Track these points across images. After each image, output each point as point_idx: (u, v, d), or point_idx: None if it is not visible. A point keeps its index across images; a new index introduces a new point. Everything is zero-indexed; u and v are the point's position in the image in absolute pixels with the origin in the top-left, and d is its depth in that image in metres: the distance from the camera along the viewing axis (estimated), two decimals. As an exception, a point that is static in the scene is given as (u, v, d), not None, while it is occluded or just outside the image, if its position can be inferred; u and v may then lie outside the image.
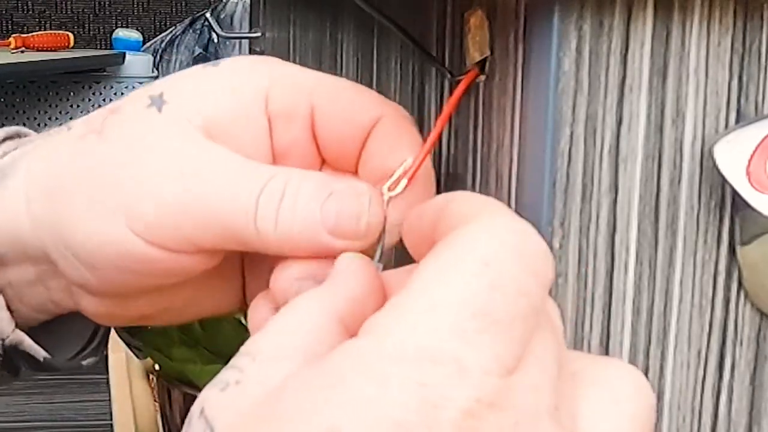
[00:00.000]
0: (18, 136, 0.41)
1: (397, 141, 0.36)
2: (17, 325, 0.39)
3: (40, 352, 0.40)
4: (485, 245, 0.26)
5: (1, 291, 0.39)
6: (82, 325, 0.42)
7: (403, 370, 0.24)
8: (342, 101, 0.36)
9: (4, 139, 0.41)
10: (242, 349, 0.29)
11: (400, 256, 0.35)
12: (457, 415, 0.24)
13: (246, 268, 0.40)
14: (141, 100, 0.37)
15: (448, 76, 0.39)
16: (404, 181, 0.35)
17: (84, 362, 0.43)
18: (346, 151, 0.37)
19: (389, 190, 0.35)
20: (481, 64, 0.36)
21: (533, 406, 0.25)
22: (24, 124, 0.49)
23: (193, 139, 0.35)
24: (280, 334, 0.29)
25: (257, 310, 0.36)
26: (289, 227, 0.34)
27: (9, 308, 0.39)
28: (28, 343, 0.40)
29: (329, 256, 0.34)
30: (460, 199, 0.29)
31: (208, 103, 0.36)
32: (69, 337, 0.42)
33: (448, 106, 0.36)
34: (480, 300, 0.25)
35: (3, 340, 0.39)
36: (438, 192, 0.41)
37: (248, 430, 0.25)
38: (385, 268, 0.34)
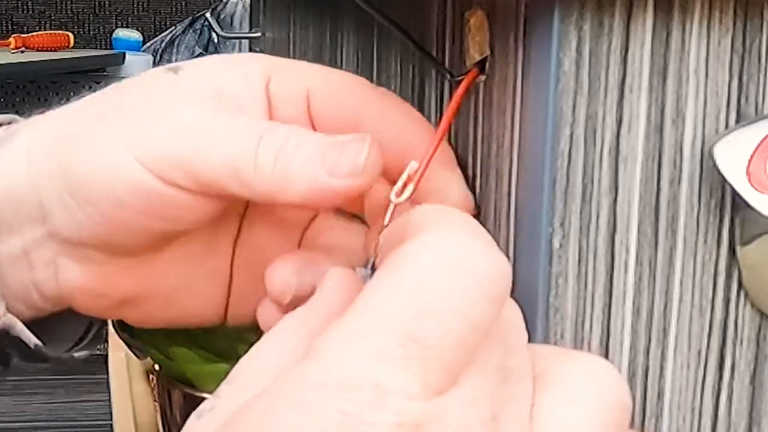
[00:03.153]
0: (14, 122, 0.42)
1: (389, 117, 0.37)
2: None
3: (31, 339, 0.39)
4: (423, 265, 0.26)
5: None
6: (75, 319, 0.42)
7: (325, 398, 0.24)
8: (335, 82, 0.38)
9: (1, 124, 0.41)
10: (228, 376, 0.29)
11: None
12: None
13: (234, 273, 0.41)
14: (157, 70, 0.39)
15: (448, 76, 0.39)
16: (411, 187, 0.35)
17: (76, 355, 0.42)
18: (340, 130, 0.37)
19: (396, 196, 0.35)
20: (481, 64, 0.36)
21: (465, 420, 0.25)
22: (24, 124, 0.49)
23: (206, 95, 0.37)
24: (256, 359, 0.29)
25: (265, 309, 0.37)
26: (287, 166, 0.35)
27: None
28: (20, 328, 0.39)
29: (327, 201, 0.35)
30: (419, 212, 0.28)
31: (218, 76, 0.38)
32: (62, 331, 0.42)
33: (450, 109, 0.36)
34: (411, 326, 0.25)
35: None
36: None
37: None
38: None
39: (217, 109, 0.37)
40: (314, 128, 0.38)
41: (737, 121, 0.32)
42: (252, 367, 0.29)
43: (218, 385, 0.29)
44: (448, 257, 0.26)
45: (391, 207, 0.34)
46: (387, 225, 0.34)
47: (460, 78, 0.36)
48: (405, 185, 0.35)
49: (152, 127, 0.36)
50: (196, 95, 0.37)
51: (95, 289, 0.39)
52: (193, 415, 0.28)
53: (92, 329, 0.43)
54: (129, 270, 0.39)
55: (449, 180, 0.37)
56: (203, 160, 0.35)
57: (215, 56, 0.40)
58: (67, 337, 0.43)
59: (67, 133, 0.38)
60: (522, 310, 0.33)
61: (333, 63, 0.57)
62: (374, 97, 0.38)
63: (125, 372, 1.12)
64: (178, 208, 0.36)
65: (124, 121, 0.37)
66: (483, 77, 0.36)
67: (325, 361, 0.25)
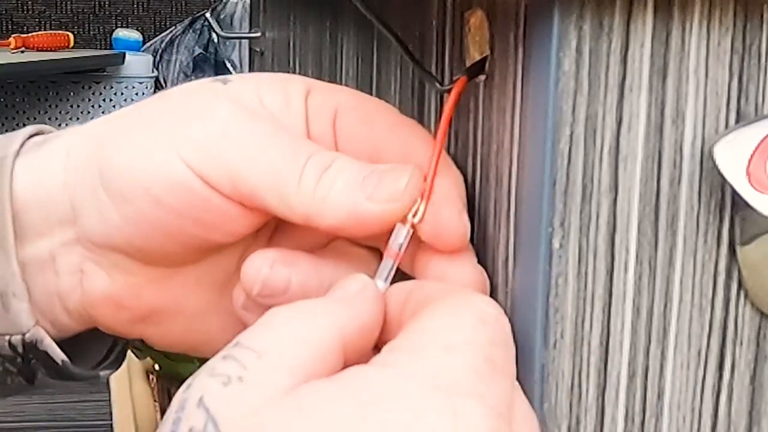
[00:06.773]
0: (44, 132, 0.41)
1: (412, 146, 0.37)
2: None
3: (59, 354, 0.39)
4: (479, 306, 0.31)
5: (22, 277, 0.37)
6: (101, 337, 0.41)
7: (438, 400, 0.27)
8: (365, 103, 0.39)
9: (34, 135, 0.41)
10: (242, 339, 0.30)
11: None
12: None
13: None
14: (204, 80, 0.39)
15: (437, 86, 0.39)
16: (423, 205, 0.35)
17: (102, 373, 0.42)
18: (360, 152, 0.37)
19: (413, 216, 0.35)
20: (474, 68, 0.36)
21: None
22: (24, 125, 0.49)
23: (253, 106, 0.38)
24: (286, 341, 0.29)
25: (253, 262, 0.37)
26: (327, 189, 0.35)
27: None
28: (48, 342, 0.38)
29: (363, 227, 0.35)
30: (424, 285, 0.34)
31: (264, 90, 0.38)
32: (88, 348, 0.41)
33: (443, 122, 0.36)
34: (486, 349, 0.29)
35: (23, 335, 0.38)
36: None
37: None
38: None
39: (265, 119, 0.37)
40: (336, 146, 0.38)
41: (737, 121, 0.32)
42: (281, 347, 0.29)
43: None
44: (491, 308, 0.32)
45: (408, 226, 0.35)
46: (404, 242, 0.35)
47: (448, 87, 0.36)
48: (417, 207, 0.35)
49: (197, 128, 0.36)
50: (243, 104, 0.37)
51: (120, 299, 0.38)
52: (211, 377, 0.28)
53: (117, 347, 0.43)
54: (156, 282, 0.38)
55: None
56: (248, 169, 0.35)
57: (261, 73, 0.41)
58: (93, 355, 0.42)
59: (108, 133, 0.38)
60: (522, 311, 0.33)
61: (333, 62, 0.57)
62: (400, 124, 0.38)
63: (125, 372, 1.12)
64: (217, 213, 0.36)
65: (169, 120, 0.37)
66: (483, 77, 0.36)
67: (425, 370, 0.28)
